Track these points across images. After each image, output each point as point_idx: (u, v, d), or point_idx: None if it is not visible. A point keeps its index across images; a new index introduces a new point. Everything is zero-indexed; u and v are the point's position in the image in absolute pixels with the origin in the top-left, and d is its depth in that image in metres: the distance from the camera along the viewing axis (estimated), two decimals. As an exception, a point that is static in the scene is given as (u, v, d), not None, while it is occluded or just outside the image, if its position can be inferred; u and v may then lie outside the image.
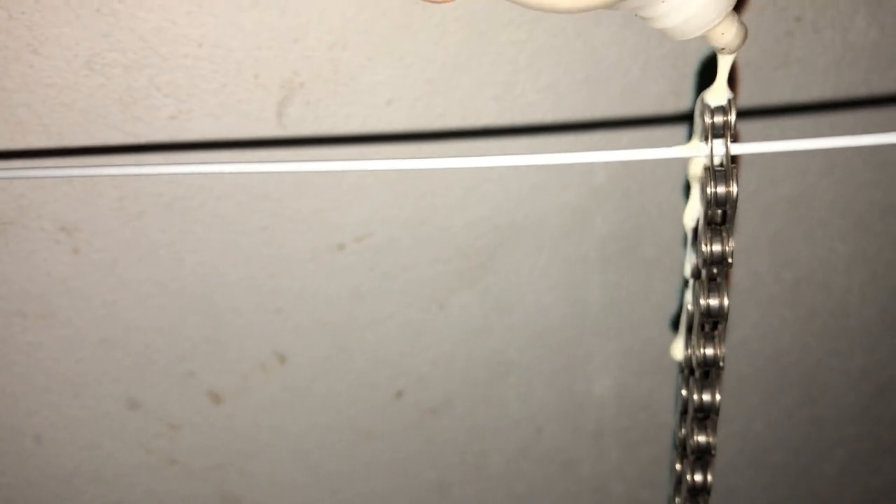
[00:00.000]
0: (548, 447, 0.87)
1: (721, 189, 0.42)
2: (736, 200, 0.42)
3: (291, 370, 0.76)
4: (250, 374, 0.75)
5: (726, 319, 0.47)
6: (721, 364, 0.49)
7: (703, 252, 0.44)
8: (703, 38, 0.41)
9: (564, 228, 0.76)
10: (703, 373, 0.49)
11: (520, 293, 0.78)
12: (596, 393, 0.86)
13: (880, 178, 0.81)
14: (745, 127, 0.74)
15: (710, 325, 0.48)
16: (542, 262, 0.77)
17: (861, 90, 0.76)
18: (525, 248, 0.76)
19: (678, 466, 0.55)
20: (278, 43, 0.62)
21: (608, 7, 0.39)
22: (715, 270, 0.45)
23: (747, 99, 0.73)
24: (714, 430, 0.49)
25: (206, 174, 0.64)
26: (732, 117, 0.40)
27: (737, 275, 0.83)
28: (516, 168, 0.72)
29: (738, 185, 0.42)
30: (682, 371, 0.55)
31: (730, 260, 0.46)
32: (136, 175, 0.56)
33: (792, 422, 0.94)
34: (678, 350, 0.56)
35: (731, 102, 0.41)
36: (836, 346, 0.90)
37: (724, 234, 0.44)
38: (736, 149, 0.41)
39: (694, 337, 0.49)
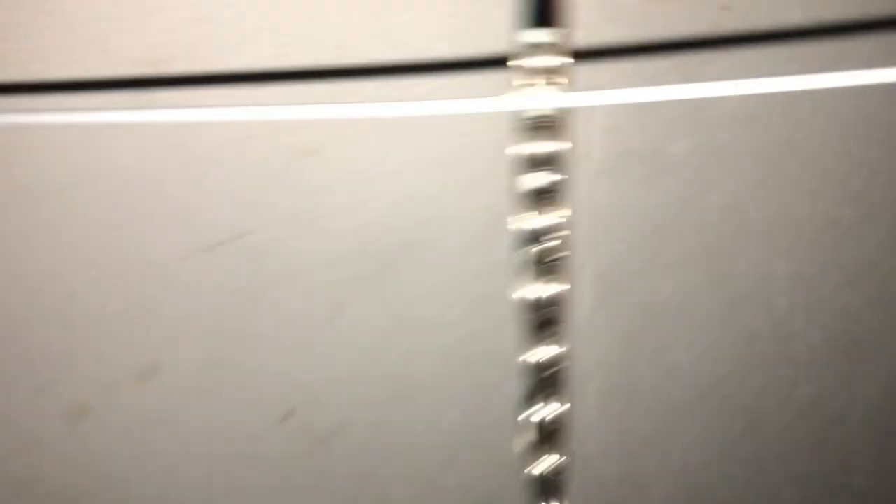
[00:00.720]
0: (461, 479, 0.79)
1: (541, 145, 0.33)
2: (561, 157, 0.34)
3: (163, 384, 0.68)
4: (115, 388, 0.67)
5: (565, 310, 0.39)
6: (560, 367, 0.41)
7: (527, 229, 0.36)
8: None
9: (472, 232, 0.69)
10: (544, 381, 0.41)
11: (424, 305, 0.71)
12: (513, 418, 0.78)
13: (823, 188, 0.75)
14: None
15: (545, 322, 0.40)
16: (448, 270, 0.70)
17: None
18: (429, 255, 0.69)
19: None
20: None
21: None
22: (546, 250, 0.37)
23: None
24: (561, 449, 0.41)
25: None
26: (560, 59, 0.32)
27: (666, 290, 0.76)
28: (415, 162, 0.65)
29: (565, 138, 0.34)
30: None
31: (561, 233, 0.39)
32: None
33: (733, 457, 0.86)
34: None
35: (558, 38, 0.32)
36: (780, 373, 0.83)
37: (551, 201, 0.36)
38: (563, 98, 0.33)
39: (530, 336, 0.41)
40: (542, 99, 0.32)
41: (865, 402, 0.84)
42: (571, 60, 0.33)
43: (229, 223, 0.64)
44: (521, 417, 0.39)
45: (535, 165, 0.33)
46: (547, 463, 0.40)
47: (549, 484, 0.41)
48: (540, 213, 0.34)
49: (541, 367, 0.40)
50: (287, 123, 0.61)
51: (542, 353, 0.39)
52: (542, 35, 0.31)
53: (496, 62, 0.58)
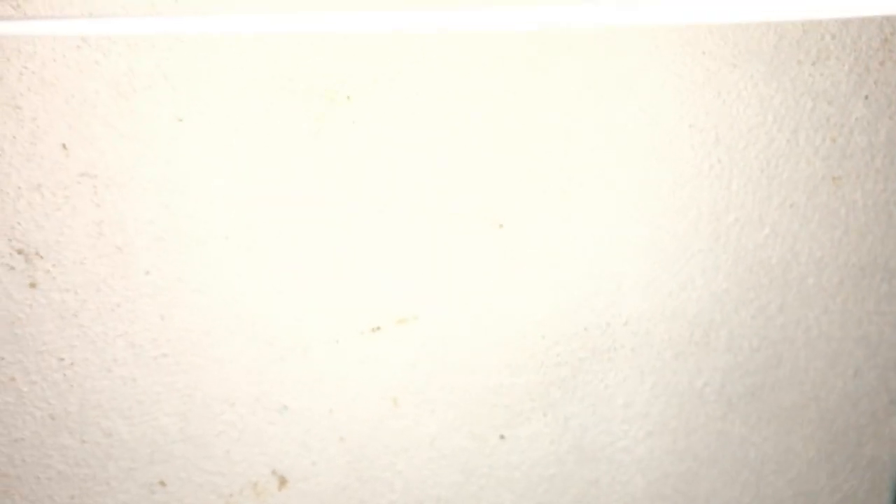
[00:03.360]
0: None
1: None
2: None
3: (291, 497, 0.56)
4: (236, 497, 0.56)
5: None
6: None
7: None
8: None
9: (676, 347, 0.57)
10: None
11: (610, 433, 0.58)
12: None
13: None
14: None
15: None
16: (644, 392, 0.57)
17: None
18: (621, 368, 0.57)
19: None
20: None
21: None
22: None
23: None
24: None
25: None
26: None
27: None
28: (614, 255, 0.54)
29: None
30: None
31: None
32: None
33: None
34: None
35: None
36: None
37: None
38: None
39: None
40: None
41: None
42: None
43: (392, 304, 0.54)
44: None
45: None
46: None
47: None
48: None
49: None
50: (477, 190, 0.52)
51: None
52: None
53: None
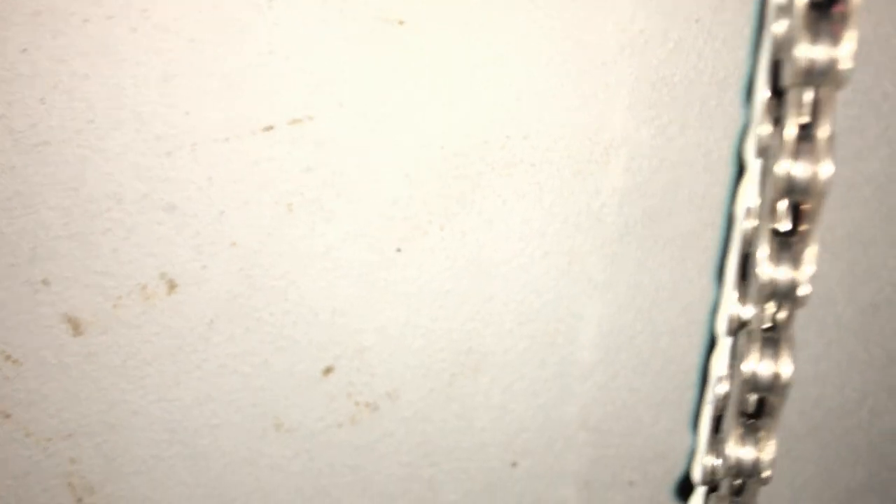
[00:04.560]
0: (523, 489, 0.64)
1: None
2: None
3: (181, 302, 0.55)
4: (124, 300, 0.55)
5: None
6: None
7: (759, 282, 0.25)
8: None
9: (575, 164, 0.56)
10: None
11: (507, 251, 0.58)
12: (589, 422, 0.64)
13: None
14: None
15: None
16: (542, 210, 0.57)
17: None
18: (520, 184, 0.56)
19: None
20: None
21: None
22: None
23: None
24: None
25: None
26: None
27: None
28: (515, 64, 0.53)
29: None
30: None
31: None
32: None
33: (854, 513, 0.70)
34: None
35: None
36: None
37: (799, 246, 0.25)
38: None
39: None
40: None
41: None
42: None
43: (285, 104, 0.52)
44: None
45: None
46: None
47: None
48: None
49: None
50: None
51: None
52: None
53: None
